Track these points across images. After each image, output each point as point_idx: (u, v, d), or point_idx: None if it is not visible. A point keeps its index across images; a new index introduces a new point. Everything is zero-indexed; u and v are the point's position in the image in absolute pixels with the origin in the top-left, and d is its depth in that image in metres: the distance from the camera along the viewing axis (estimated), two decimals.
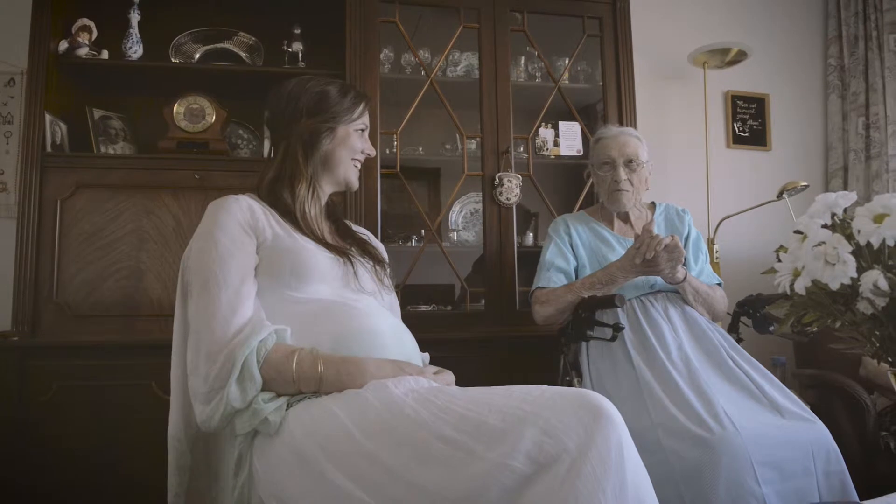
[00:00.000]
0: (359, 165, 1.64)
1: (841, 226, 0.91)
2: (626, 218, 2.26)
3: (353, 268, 1.48)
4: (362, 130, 1.62)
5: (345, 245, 1.57)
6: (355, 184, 1.65)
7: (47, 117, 2.36)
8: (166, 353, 1.43)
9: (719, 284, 2.22)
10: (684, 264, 2.13)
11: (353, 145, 1.60)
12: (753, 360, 1.97)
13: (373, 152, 1.66)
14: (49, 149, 2.35)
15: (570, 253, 2.20)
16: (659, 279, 2.07)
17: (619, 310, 2.00)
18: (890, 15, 3.30)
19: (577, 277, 2.17)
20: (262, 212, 1.46)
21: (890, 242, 0.85)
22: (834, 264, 0.86)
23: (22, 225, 2.29)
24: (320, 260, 1.43)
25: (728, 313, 2.25)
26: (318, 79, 1.61)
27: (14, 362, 2.20)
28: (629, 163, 2.18)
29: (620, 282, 2.03)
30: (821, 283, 0.88)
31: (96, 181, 2.36)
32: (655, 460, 1.63)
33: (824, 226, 0.92)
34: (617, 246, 2.18)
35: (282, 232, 1.45)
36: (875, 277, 0.85)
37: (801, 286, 0.90)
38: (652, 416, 1.75)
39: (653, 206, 2.33)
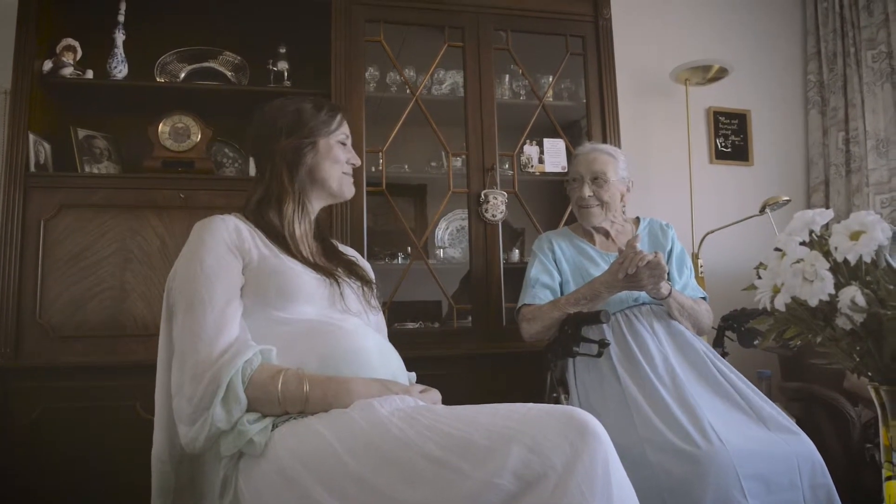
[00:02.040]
0: (350, 174, 1.66)
1: (818, 243, 0.92)
2: (606, 233, 2.27)
3: (340, 288, 1.48)
4: (343, 142, 1.64)
5: (331, 266, 1.57)
6: (347, 192, 1.66)
7: (31, 137, 2.34)
8: (151, 374, 1.42)
9: (704, 298, 2.23)
10: (668, 279, 2.14)
11: (336, 156, 1.61)
12: (738, 373, 1.98)
13: (357, 161, 1.67)
14: (33, 168, 2.34)
15: (555, 269, 2.21)
16: (644, 293, 2.08)
17: (604, 325, 2.01)
18: (867, 32, 3.37)
19: (561, 293, 2.17)
20: (248, 232, 1.47)
21: (867, 259, 0.86)
22: (812, 281, 0.87)
23: (5, 245, 2.27)
24: (306, 280, 1.43)
25: (713, 327, 2.26)
26: (292, 99, 1.63)
27: None
28: (595, 179, 2.20)
29: (605, 297, 2.04)
30: (800, 299, 0.89)
31: (80, 201, 2.34)
32: (642, 475, 1.63)
33: (802, 243, 0.93)
34: (600, 261, 2.19)
35: (268, 252, 1.45)
36: (852, 293, 0.86)
37: (780, 303, 0.91)
38: (639, 430, 1.75)
39: (637, 220, 2.35)
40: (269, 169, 1.56)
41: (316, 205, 1.63)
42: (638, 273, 1.94)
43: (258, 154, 1.62)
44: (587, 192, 2.20)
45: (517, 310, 2.22)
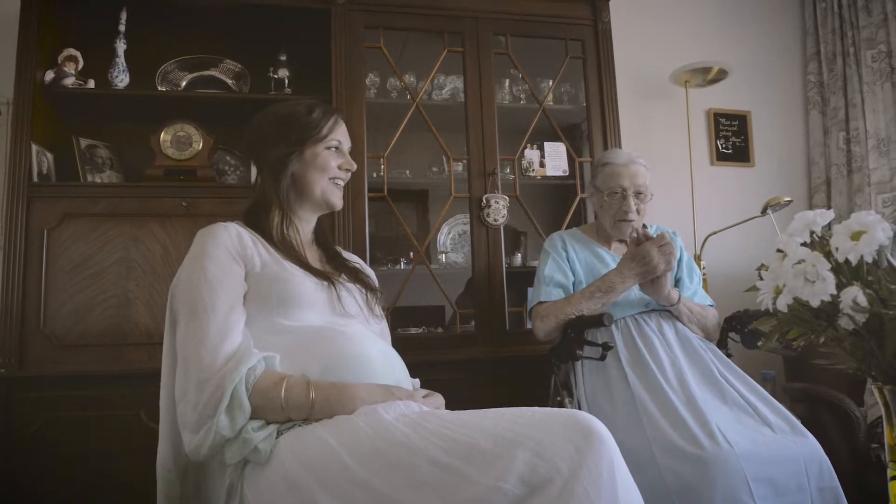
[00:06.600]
0: (341, 183, 1.60)
1: (820, 243, 0.92)
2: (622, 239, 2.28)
3: (336, 291, 1.48)
4: (336, 147, 1.58)
5: (333, 271, 1.57)
6: (337, 203, 1.61)
7: (33, 147, 2.35)
8: (155, 383, 1.42)
9: (711, 306, 2.23)
10: (679, 286, 2.17)
11: (323, 165, 1.55)
12: (745, 376, 1.98)
13: (353, 166, 1.61)
14: (35, 178, 2.34)
15: (568, 268, 2.20)
16: (654, 301, 2.09)
17: (613, 328, 2.03)
18: (866, 31, 3.37)
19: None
20: (250, 239, 1.46)
21: (868, 259, 0.87)
22: (814, 282, 0.87)
23: (8, 255, 2.27)
24: (307, 286, 1.43)
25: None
26: (285, 103, 1.61)
27: (0, 394, 2.18)
28: (639, 194, 2.18)
29: (619, 290, 2.04)
30: (802, 300, 0.89)
31: (83, 210, 2.35)
32: (651, 477, 1.64)
33: (803, 244, 0.94)
34: (613, 265, 2.18)
35: (270, 259, 1.45)
36: (854, 294, 0.86)
37: (782, 304, 0.91)
38: (647, 433, 1.75)
39: (644, 228, 2.35)
40: (259, 176, 1.57)
41: (304, 214, 1.60)
42: (649, 254, 1.95)
43: (253, 160, 1.61)
44: (632, 205, 2.16)
45: (531, 308, 2.21)
